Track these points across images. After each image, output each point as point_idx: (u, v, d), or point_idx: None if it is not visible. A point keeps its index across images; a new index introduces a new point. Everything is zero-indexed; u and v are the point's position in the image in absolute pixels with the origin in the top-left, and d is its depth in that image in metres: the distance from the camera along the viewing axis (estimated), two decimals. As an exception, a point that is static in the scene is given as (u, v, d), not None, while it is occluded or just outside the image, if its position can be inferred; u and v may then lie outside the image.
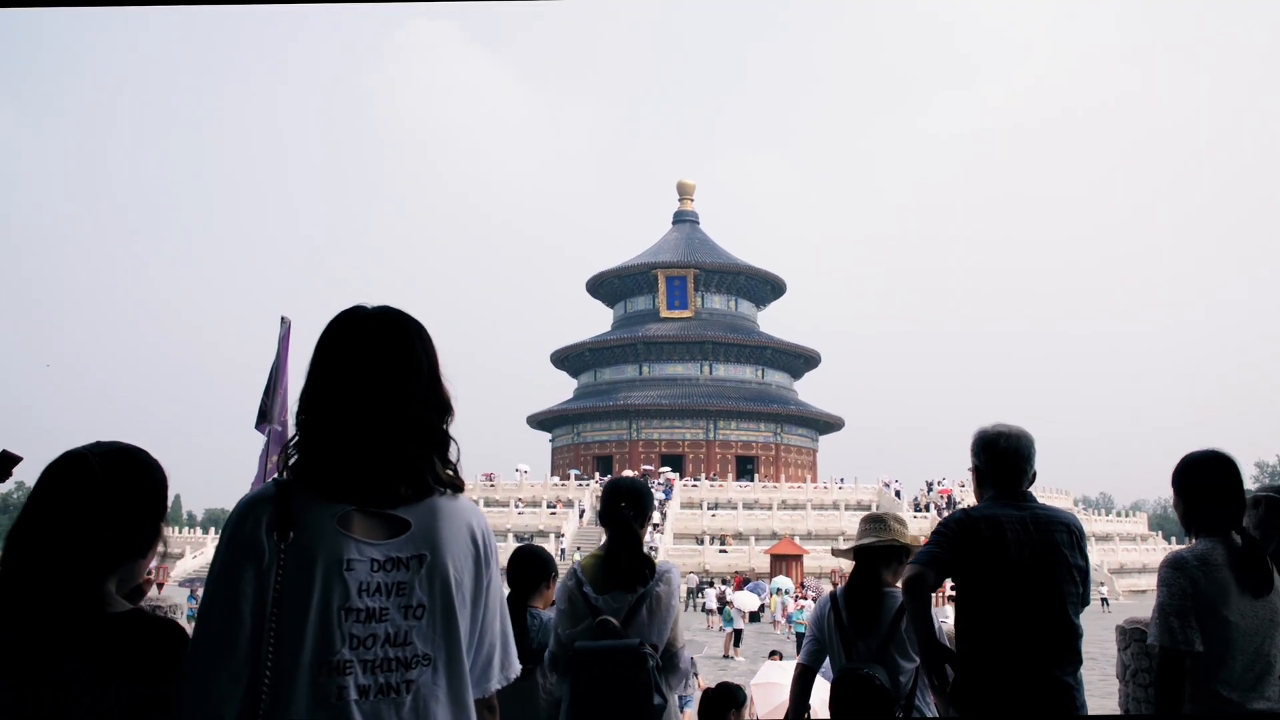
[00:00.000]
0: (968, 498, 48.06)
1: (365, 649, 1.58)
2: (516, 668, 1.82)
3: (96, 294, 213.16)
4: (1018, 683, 3.14)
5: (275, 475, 1.71)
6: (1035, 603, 3.17)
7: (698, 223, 76.17)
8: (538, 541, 43.01)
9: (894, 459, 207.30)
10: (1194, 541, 3.06)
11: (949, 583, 3.39)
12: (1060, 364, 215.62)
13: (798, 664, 4.18)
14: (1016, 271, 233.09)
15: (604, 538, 3.44)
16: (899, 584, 3.65)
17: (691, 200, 77.19)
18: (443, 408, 1.76)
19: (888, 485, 52.17)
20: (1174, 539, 51.86)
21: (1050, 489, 58.86)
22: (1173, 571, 2.95)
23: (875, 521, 4.08)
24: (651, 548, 41.62)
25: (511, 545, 44.71)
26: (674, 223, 76.42)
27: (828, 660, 3.98)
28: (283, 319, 6.90)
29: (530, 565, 3.86)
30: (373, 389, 1.67)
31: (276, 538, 1.58)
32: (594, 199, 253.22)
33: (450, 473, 1.74)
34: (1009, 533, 3.19)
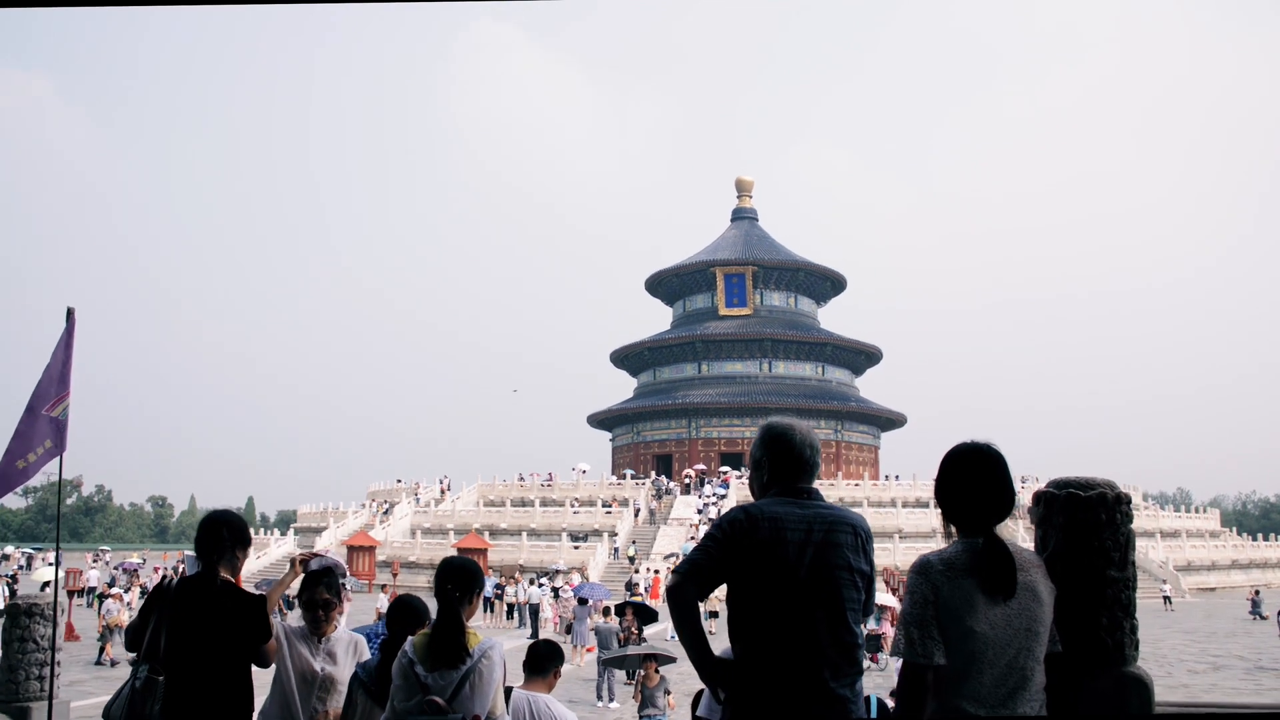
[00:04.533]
0: (1025, 494, 46.89)
1: None
2: None
3: (179, 297, 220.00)
4: (790, 695, 2.94)
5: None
6: (814, 609, 2.96)
7: (756, 219, 75.67)
8: (591, 541, 43.13)
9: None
10: (949, 543, 2.81)
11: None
12: (1130, 361, 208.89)
13: None
14: (1086, 261, 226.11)
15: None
16: None
17: (750, 197, 76.73)
18: None
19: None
20: (1245, 534, 49.96)
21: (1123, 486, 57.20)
22: (916, 577, 2.71)
23: None
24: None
25: (567, 545, 45.79)
26: (732, 220, 76.05)
27: None
28: (68, 310, 7.18)
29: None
30: None
31: None
32: (653, 197, 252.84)
33: None
34: (789, 532, 3.00)
